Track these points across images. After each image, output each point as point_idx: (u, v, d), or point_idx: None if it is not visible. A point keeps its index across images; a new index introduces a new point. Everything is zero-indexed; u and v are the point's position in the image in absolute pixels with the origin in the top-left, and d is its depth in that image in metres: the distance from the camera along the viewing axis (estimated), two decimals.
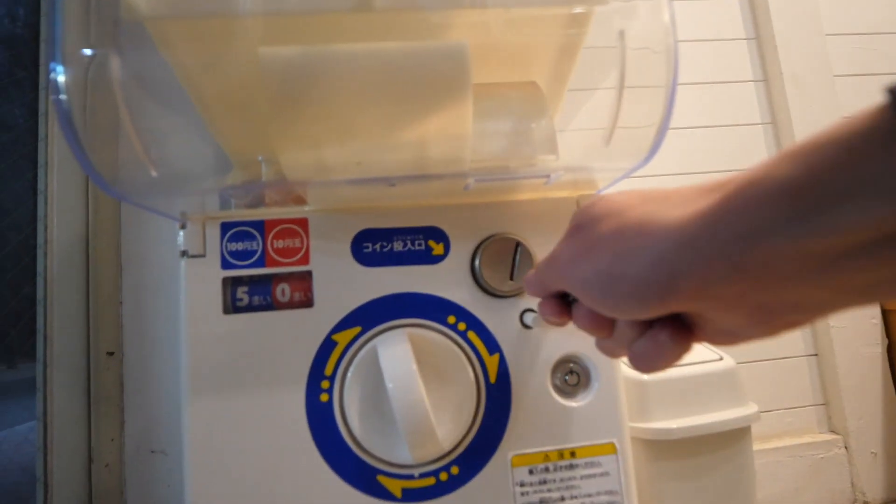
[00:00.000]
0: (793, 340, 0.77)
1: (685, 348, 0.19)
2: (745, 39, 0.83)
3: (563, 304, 0.23)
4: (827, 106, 0.80)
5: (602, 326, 0.21)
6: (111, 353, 0.58)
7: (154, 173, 0.27)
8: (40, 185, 0.55)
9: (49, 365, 0.53)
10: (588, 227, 0.20)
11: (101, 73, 0.27)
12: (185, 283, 0.33)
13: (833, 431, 0.76)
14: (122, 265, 0.59)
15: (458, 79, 0.24)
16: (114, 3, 0.26)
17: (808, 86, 0.80)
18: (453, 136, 0.26)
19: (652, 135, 0.27)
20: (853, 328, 0.76)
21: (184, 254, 0.33)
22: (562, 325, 0.24)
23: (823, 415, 0.76)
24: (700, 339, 0.20)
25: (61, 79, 0.23)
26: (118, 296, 0.59)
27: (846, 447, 0.74)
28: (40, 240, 0.54)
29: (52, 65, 0.23)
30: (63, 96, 0.23)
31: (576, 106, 0.39)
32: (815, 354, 0.78)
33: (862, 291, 0.15)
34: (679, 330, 0.19)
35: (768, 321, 0.17)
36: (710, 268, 0.16)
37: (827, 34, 0.83)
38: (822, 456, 0.74)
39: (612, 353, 0.23)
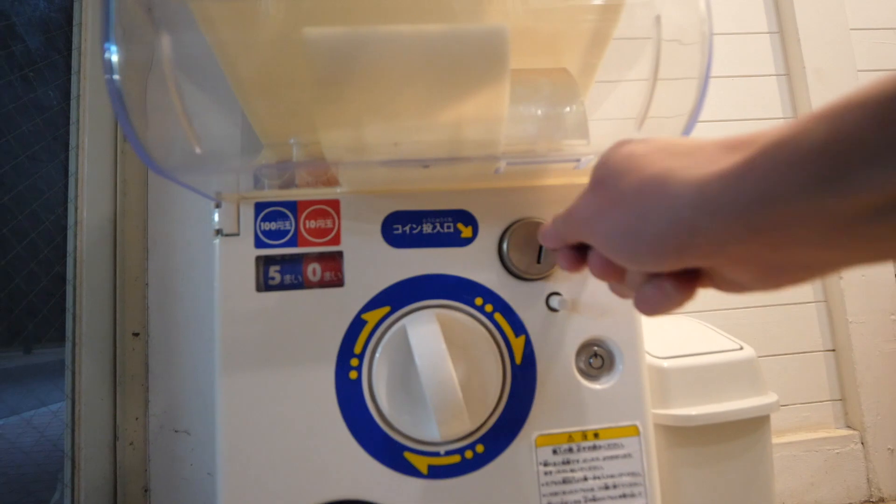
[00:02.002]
0: (811, 335, 0.77)
1: (689, 296, 0.20)
2: (767, 33, 0.82)
3: (578, 254, 0.24)
4: None
5: (615, 273, 0.22)
6: (137, 334, 0.60)
7: (198, 150, 0.28)
8: (71, 168, 0.56)
9: (77, 344, 0.55)
10: (609, 182, 0.20)
11: (148, 54, 0.28)
12: (219, 262, 0.34)
13: (849, 427, 0.76)
14: (148, 248, 0.61)
15: (497, 61, 0.24)
16: None
17: (832, 80, 0.79)
18: (489, 118, 0.26)
19: (683, 123, 0.27)
20: (872, 324, 0.76)
21: (218, 232, 0.34)
22: (577, 272, 0.25)
23: (840, 410, 0.76)
24: (706, 286, 0.20)
25: (115, 58, 0.24)
26: (144, 277, 0.60)
27: (862, 443, 0.74)
28: (70, 220, 0.56)
29: (105, 45, 0.24)
30: (116, 76, 0.24)
31: (601, 96, 0.39)
32: (833, 350, 0.77)
33: (875, 253, 0.15)
34: (684, 279, 0.20)
35: (777, 277, 0.17)
36: (727, 229, 0.16)
37: (851, 28, 0.82)
38: (837, 451, 0.73)
39: (623, 295, 0.24)
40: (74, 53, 0.59)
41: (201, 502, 0.57)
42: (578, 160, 0.30)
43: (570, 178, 0.35)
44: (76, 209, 0.56)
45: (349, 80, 0.24)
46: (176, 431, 0.58)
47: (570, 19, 0.30)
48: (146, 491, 0.58)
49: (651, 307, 0.21)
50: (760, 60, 0.81)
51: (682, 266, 0.18)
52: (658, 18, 0.28)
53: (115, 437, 0.58)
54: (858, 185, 0.13)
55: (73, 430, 0.53)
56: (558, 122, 0.30)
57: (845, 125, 0.13)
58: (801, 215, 0.14)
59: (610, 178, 0.20)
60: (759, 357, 0.54)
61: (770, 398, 0.46)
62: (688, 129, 0.30)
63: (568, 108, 0.30)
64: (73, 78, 0.58)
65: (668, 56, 0.31)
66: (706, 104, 0.85)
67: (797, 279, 0.17)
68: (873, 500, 0.73)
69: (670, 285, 0.19)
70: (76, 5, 0.60)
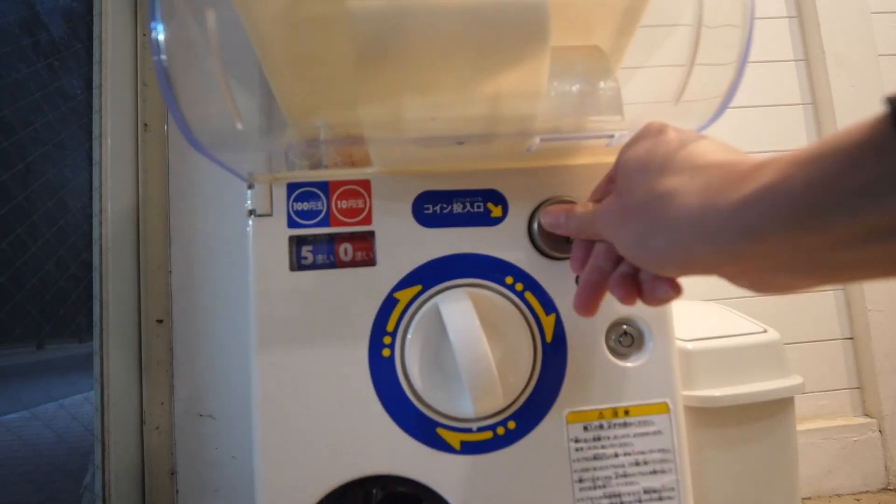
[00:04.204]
0: (829, 323, 0.77)
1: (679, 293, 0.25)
2: (786, 17, 0.81)
3: (588, 246, 0.29)
4: (870, 86, 0.78)
5: (615, 264, 0.27)
6: (161, 321, 0.61)
7: (240, 126, 0.28)
8: (95, 156, 0.57)
9: (105, 329, 0.56)
10: (625, 192, 0.23)
11: (188, 33, 0.28)
12: (252, 242, 0.35)
13: (867, 415, 0.76)
14: (170, 236, 0.61)
15: (537, 35, 0.24)
16: None
17: (852, 65, 0.78)
18: (527, 92, 0.26)
19: (715, 105, 0.27)
20: (891, 312, 0.75)
21: (251, 213, 0.35)
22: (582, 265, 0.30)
23: (858, 398, 0.76)
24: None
25: (161, 38, 0.24)
26: (167, 265, 0.61)
27: (880, 431, 0.74)
28: (95, 208, 0.57)
29: (152, 24, 0.24)
30: (163, 56, 0.24)
31: (627, 78, 0.39)
32: (851, 338, 0.77)
33: (847, 277, 0.18)
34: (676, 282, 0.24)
35: (764, 287, 0.21)
36: (720, 255, 0.19)
37: (872, 12, 0.81)
38: (855, 439, 0.73)
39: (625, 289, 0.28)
40: (96, 42, 0.59)
41: (226, 484, 0.58)
42: (612, 136, 0.30)
43: (598, 156, 0.35)
44: (101, 197, 0.56)
45: (391, 53, 0.25)
46: (200, 416, 0.59)
47: None
48: (172, 474, 0.59)
49: (659, 301, 0.25)
50: (779, 45, 0.80)
51: (685, 276, 0.22)
52: (701, 1, 0.28)
53: (142, 422, 0.59)
54: (829, 225, 0.16)
55: (102, 415, 0.54)
56: (592, 97, 0.30)
57: (816, 174, 0.16)
58: (782, 247, 0.17)
59: (624, 189, 0.24)
60: (780, 337, 0.54)
61: (795, 380, 0.46)
62: (718, 112, 0.30)
63: (602, 84, 0.30)
64: (95, 67, 0.59)
65: (704, 39, 0.31)
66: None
67: (787, 291, 0.21)
68: (891, 487, 0.73)
69: (666, 285, 0.24)
70: None
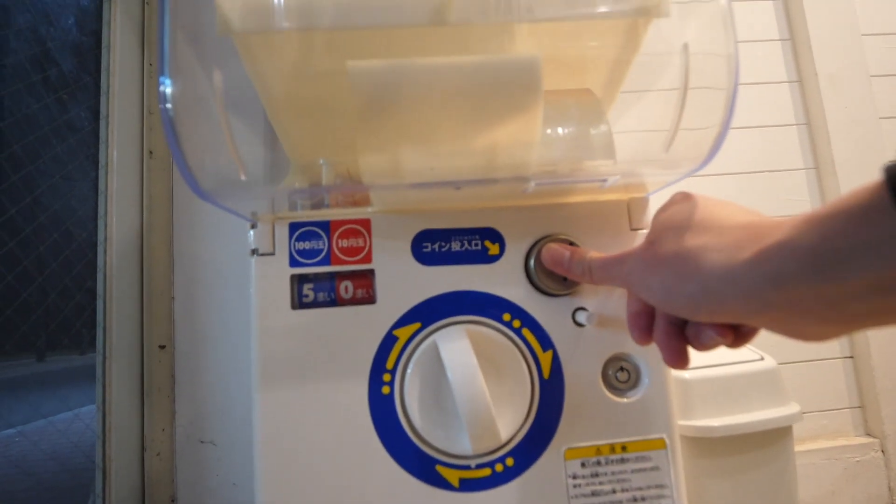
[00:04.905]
0: (829, 343, 0.77)
1: (727, 339, 0.25)
2: (779, 40, 0.83)
3: (646, 317, 0.29)
4: (863, 107, 0.79)
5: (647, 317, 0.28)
6: (163, 347, 0.61)
7: (244, 177, 0.29)
8: (101, 185, 0.58)
9: (108, 356, 0.56)
10: (657, 243, 0.26)
11: (194, 86, 0.29)
12: (255, 280, 0.35)
13: (869, 434, 0.75)
14: (174, 263, 0.62)
15: (530, 89, 0.25)
16: (204, 21, 0.28)
17: (844, 86, 0.80)
18: (522, 142, 0.27)
19: (711, 139, 0.28)
20: (891, 330, 0.76)
21: (254, 252, 0.35)
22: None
23: (859, 418, 0.76)
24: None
25: (168, 90, 0.25)
26: (170, 291, 0.62)
27: (882, 451, 0.73)
28: (100, 237, 0.58)
29: (161, 78, 0.25)
30: (169, 105, 0.25)
31: (622, 109, 0.40)
32: (851, 357, 0.77)
33: (863, 324, 0.20)
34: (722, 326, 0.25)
35: (799, 335, 0.22)
36: (747, 301, 0.21)
37: (863, 34, 0.82)
38: (857, 459, 0.73)
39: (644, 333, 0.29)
40: (103, 74, 0.61)
41: None
42: (605, 180, 0.31)
43: (594, 195, 0.36)
44: (106, 225, 0.57)
45: (390, 109, 0.25)
46: (202, 442, 0.60)
47: (598, 43, 0.31)
48: (173, 500, 0.59)
49: (706, 347, 0.26)
50: (772, 67, 0.82)
51: (714, 321, 0.24)
52: (686, 46, 0.29)
53: (143, 448, 0.59)
54: (842, 276, 0.17)
55: (104, 442, 0.54)
56: (585, 143, 0.31)
57: (829, 230, 0.18)
58: (805, 296, 0.19)
59: (657, 241, 0.26)
60: (778, 365, 0.54)
61: (792, 409, 0.46)
62: (717, 143, 0.30)
63: (594, 130, 0.31)
64: (102, 98, 0.60)
65: (693, 74, 0.31)
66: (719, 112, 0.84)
67: (822, 339, 0.22)
68: None
69: (711, 331, 0.25)
70: (105, 28, 0.62)
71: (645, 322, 0.28)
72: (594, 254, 0.31)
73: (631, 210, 0.36)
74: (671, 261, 0.24)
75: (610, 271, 0.29)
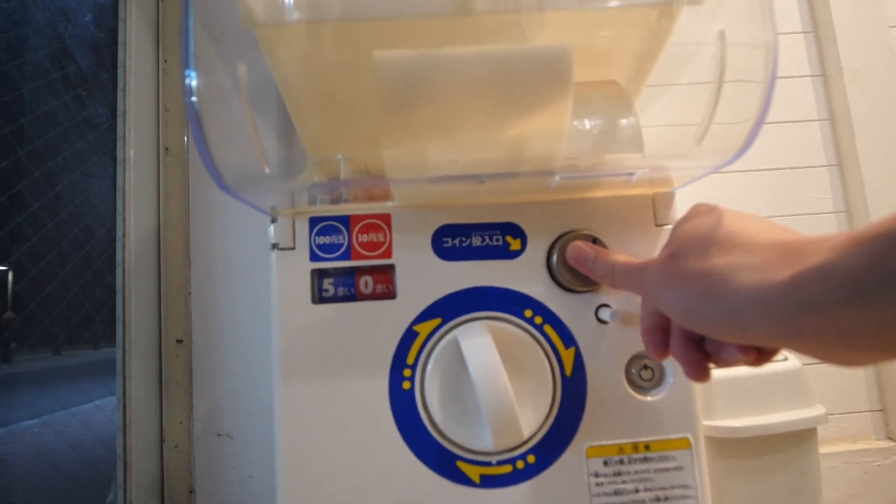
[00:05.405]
0: None
1: (750, 357, 0.24)
2: (801, 33, 0.81)
3: (661, 332, 0.28)
4: (890, 102, 0.77)
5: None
6: (180, 341, 0.62)
7: (267, 170, 0.29)
8: (118, 182, 0.58)
9: (127, 350, 0.57)
10: (681, 257, 0.24)
11: (215, 79, 0.29)
12: (275, 275, 0.35)
13: (890, 438, 0.74)
14: (190, 258, 0.62)
15: (560, 79, 0.25)
16: (224, 15, 0.28)
17: (870, 81, 0.77)
18: (550, 134, 0.27)
19: (744, 133, 0.27)
20: None
21: (274, 246, 0.35)
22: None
23: (880, 421, 0.74)
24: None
25: (194, 83, 0.25)
26: (187, 287, 0.62)
27: None
28: (119, 233, 0.58)
29: (186, 71, 0.25)
30: (195, 98, 0.25)
31: (646, 103, 0.39)
32: None
33: None
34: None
35: (837, 361, 0.21)
36: (776, 326, 0.19)
37: (890, 26, 0.80)
38: (878, 463, 0.71)
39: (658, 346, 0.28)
40: (120, 71, 0.61)
41: (244, 503, 0.59)
42: (632, 174, 0.30)
43: (619, 189, 0.35)
44: (124, 221, 0.58)
45: (416, 100, 0.25)
46: (219, 435, 0.60)
47: (628, 32, 0.30)
48: (191, 492, 0.59)
49: (727, 364, 0.25)
50: (794, 61, 0.80)
51: (738, 342, 0.23)
52: (722, 33, 0.28)
53: (162, 440, 0.59)
54: (886, 302, 0.16)
55: (124, 434, 0.55)
56: (613, 135, 0.30)
57: (874, 254, 0.16)
58: (844, 324, 0.17)
59: (682, 253, 0.24)
60: (803, 365, 0.53)
61: (818, 410, 0.45)
62: (751, 136, 0.30)
63: (622, 122, 0.30)
64: (119, 95, 0.61)
65: (729, 64, 0.31)
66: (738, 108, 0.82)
67: (862, 365, 0.21)
68: None
69: (734, 349, 0.23)
70: (121, 25, 0.62)
71: (660, 338, 0.27)
72: (621, 257, 0.30)
73: (656, 205, 0.35)
74: (696, 277, 0.22)
75: (632, 278, 0.28)
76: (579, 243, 0.33)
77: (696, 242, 0.23)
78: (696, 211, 0.26)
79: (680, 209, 0.36)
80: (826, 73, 0.80)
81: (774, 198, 0.77)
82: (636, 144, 0.30)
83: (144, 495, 0.56)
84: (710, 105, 0.28)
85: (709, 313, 0.22)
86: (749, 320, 0.20)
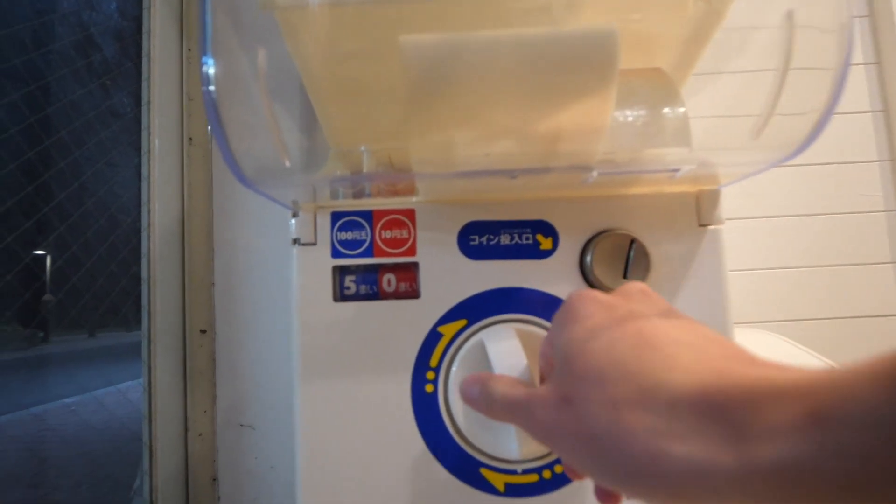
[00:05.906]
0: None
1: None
2: (856, 17, 0.75)
3: None
4: None
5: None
6: (204, 331, 0.62)
7: (287, 163, 0.28)
8: (143, 172, 0.59)
9: (153, 340, 0.57)
10: (579, 402, 0.18)
11: (236, 67, 0.28)
12: (296, 271, 0.34)
13: None
14: (214, 249, 0.63)
15: (605, 67, 0.22)
16: (243, 2, 0.27)
17: None
18: (589, 127, 0.25)
19: (810, 125, 0.25)
20: None
21: (295, 241, 0.34)
22: None
23: None
24: None
25: (211, 71, 0.24)
26: (211, 278, 0.62)
27: None
28: (144, 223, 0.59)
29: (203, 58, 0.24)
30: (212, 87, 0.24)
31: (693, 91, 0.36)
32: None
33: None
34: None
35: None
36: None
37: None
38: None
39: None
40: (144, 60, 0.61)
41: (266, 493, 0.60)
42: (677, 169, 0.28)
43: (660, 186, 0.33)
44: (149, 212, 0.58)
45: (445, 88, 0.23)
46: (241, 425, 0.61)
47: (675, 14, 0.27)
48: (214, 480, 0.60)
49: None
50: None
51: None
52: (790, 14, 0.25)
53: (186, 429, 0.60)
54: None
55: (150, 423, 0.56)
56: (657, 128, 0.28)
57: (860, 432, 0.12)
58: None
59: (578, 398, 0.18)
60: None
61: None
62: (818, 129, 0.26)
63: (668, 114, 0.28)
64: (144, 84, 0.61)
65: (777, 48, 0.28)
66: (783, 98, 0.78)
67: None
68: None
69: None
70: (145, 14, 0.62)
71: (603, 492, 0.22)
72: (502, 385, 0.23)
73: (700, 203, 0.33)
74: (602, 438, 0.16)
75: (514, 413, 0.21)
76: (468, 376, 0.25)
77: (602, 383, 0.17)
78: (587, 311, 0.20)
79: (726, 209, 0.34)
80: (881, 60, 0.74)
81: (821, 195, 0.72)
82: (683, 138, 0.28)
83: (170, 483, 0.57)
84: (773, 94, 0.25)
85: (619, 482, 0.16)
86: (690, 498, 0.15)
